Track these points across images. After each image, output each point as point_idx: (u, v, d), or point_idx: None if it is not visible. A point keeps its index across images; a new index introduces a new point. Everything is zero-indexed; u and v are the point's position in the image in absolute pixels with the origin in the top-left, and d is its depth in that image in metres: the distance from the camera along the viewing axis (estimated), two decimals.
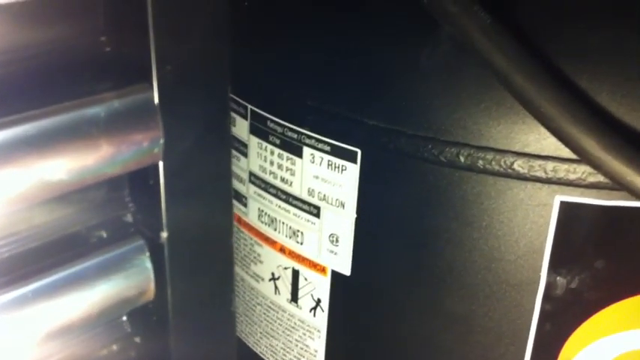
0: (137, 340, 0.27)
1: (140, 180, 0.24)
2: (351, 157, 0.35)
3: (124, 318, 0.27)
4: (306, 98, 0.36)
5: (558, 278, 0.34)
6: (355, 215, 0.36)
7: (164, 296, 0.25)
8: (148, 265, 0.25)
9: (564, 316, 0.35)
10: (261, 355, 0.44)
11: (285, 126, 0.37)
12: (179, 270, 0.25)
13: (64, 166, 0.21)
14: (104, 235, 0.25)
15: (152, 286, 0.25)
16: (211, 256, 0.27)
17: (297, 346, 0.41)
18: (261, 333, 0.44)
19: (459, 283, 0.36)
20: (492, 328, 0.36)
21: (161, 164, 0.24)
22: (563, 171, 0.32)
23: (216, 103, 0.25)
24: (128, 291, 0.24)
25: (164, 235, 0.24)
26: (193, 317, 0.26)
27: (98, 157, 0.21)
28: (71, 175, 0.21)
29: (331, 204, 0.37)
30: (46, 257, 0.23)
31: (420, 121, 0.33)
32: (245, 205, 0.42)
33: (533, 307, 0.35)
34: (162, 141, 0.23)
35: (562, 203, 0.32)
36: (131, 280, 0.24)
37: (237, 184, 0.42)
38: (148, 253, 0.25)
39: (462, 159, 0.33)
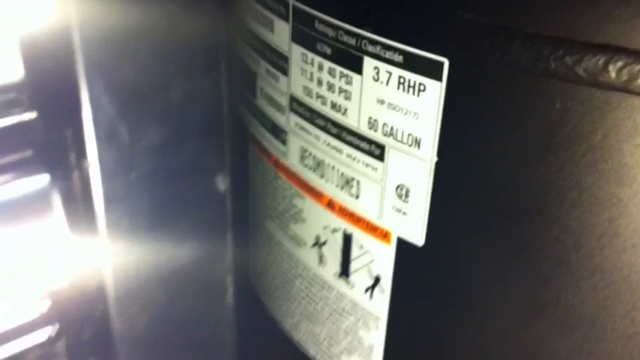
0: None
1: None
2: (433, 70, 0.24)
3: None
4: None
5: None
6: (435, 159, 0.25)
7: None
8: None
9: None
10: (300, 345, 0.33)
11: (339, 27, 0.26)
12: None
13: None
14: None
15: None
16: None
17: (346, 337, 0.31)
18: (300, 315, 0.33)
19: (584, 262, 0.24)
20: (616, 329, 0.24)
21: None
22: None
23: None
24: None
25: None
26: None
27: None
28: None
29: (401, 141, 0.26)
30: None
31: (546, 14, 0.22)
32: (284, 142, 0.31)
33: None
34: None
35: None
36: None
37: (273, 114, 0.31)
38: None
39: (613, 73, 0.21)
